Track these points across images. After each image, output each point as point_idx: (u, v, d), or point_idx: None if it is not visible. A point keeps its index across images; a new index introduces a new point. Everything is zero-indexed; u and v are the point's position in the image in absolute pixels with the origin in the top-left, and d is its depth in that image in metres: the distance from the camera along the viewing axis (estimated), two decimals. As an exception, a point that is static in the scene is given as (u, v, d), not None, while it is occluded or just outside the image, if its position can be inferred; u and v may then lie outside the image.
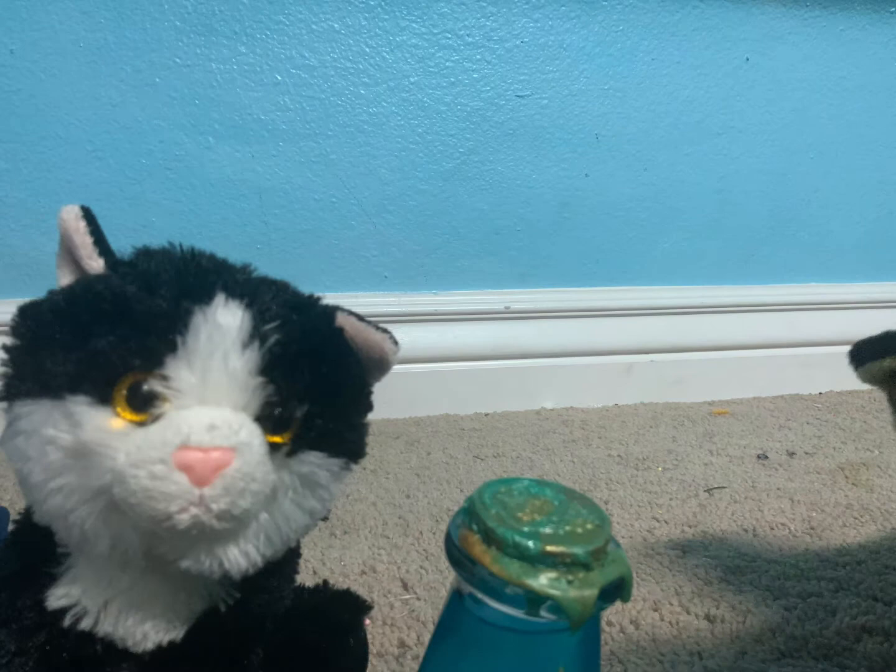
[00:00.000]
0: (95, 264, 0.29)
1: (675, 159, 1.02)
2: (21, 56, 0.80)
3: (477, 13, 0.90)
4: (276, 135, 0.88)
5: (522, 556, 0.24)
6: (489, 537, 0.25)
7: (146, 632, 0.30)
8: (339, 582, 0.56)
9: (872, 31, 1.03)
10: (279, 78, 0.86)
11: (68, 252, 0.30)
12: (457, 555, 0.26)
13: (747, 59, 1.00)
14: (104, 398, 0.26)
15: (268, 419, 0.27)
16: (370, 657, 0.47)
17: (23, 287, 0.86)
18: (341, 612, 0.39)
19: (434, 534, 0.65)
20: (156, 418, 0.26)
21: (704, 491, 0.76)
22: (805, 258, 1.12)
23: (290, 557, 0.35)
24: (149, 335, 0.26)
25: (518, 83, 0.93)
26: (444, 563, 0.59)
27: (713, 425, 0.96)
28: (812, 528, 0.67)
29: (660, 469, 0.81)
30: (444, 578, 0.57)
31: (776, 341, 1.10)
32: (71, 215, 0.29)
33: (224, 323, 0.27)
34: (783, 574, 0.59)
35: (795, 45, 1.01)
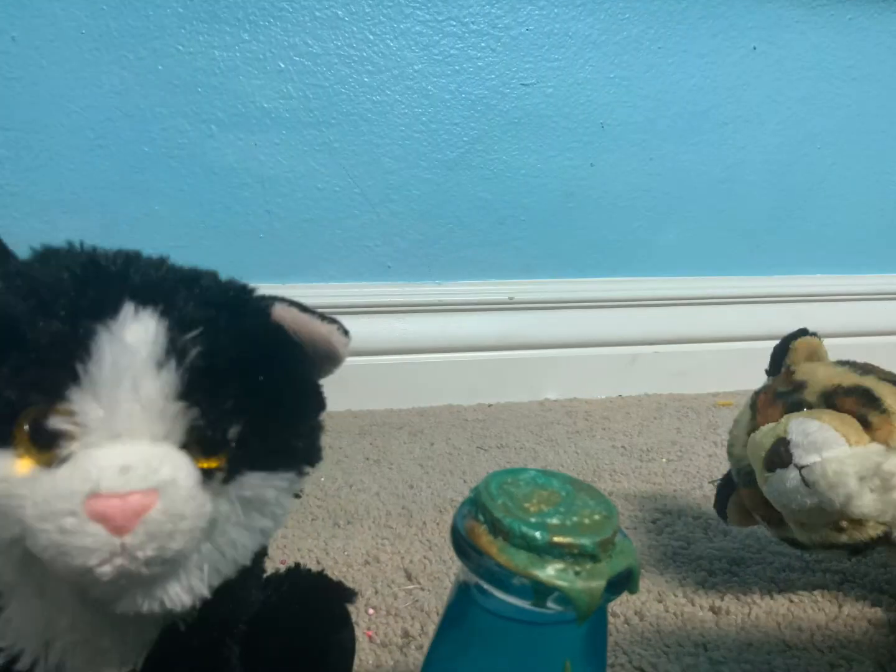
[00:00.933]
0: None
1: (680, 149, 1.01)
2: (23, 43, 0.79)
3: (482, 0, 0.89)
4: (279, 123, 0.87)
5: (529, 546, 0.24)
6: (496, 528, 0.25)
7: (98, 668, 0.27)
8: (343, 572, 0.56)
9: (880, 20, 1.02)
10: (282, 66, 0.86)
11: None
12: (463, 545, 0.26)
13: (754, 48, 0.99)
14: (4, 440, 0.22)
15: (196, 444, 0.24)
16: (375, 647, 0.47)
17: (25, 276, 0.86)
18: (333, 606, 0.38)
19: (437, 524, 0.64)
20: (63, 460, 0.22)
21: (709, 482, 0.75)
22: (811, 249, 1.12)
23: (254, 562, 0.30)
24: (46, 365, 0.22)
25: (523, 71, 0.93)
26: (448, 553, 0.59)
27: (717, 416, 0.96)
28: (817, 520, 0.67)
29: (664, 460, 0.81)
30: (447, 569, 0.57)
31: (781, 333, 1.08)
32: None
33: (132, 341, 0.23)
34: (788, 566, 0.59)
35: (803, 34, 1.00)
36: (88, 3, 0.79)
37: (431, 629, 0.49)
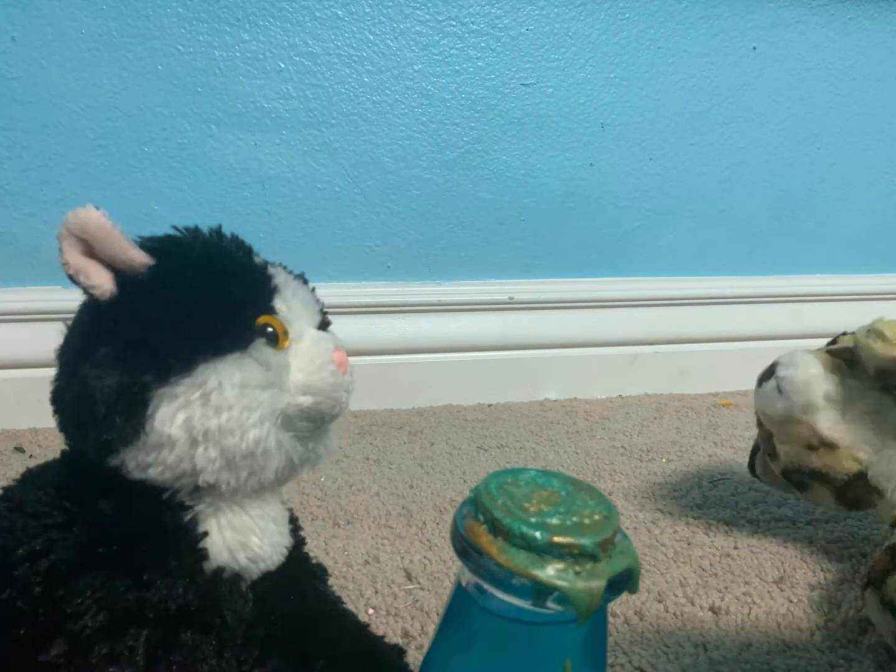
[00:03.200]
0: (136, 254, 0.31)
1: (680, 149, 1.01)
2: (22, 43, 0.79)
3: (482, 0, 0.89)
4: (279, 123, 0.87)
5: (529, 546, 0.24)
6: (496, 528, 0.25)
7: (268, 554, 0.35)
8: (343, 572, 0.56)
9: (881, 20, 1.02)
10: (282, 66, 0.86)
11: (97, 251, 0.31)
12: (463, 545, 0.26)
13: (754, 48, 0.99)
14: (267, 339, 0.32)
15: (324, 325, 0.37)
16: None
17: (25, 276, 0.86)
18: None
19: (437, 524, 0.64)
20: (289, 343, 0.33)
21: (709, 482, 0.75)
22: (811, 249, 1.12)
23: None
24: (266, 286, 0.33)
25: (523, 71, 0.93)
26: (448, 553, 0.59)
27: (717, 417, 0.96)
28: (817, 520, 0.67)
29: (664, 460, 0.81)
30: (447, 569, 0.57)
31: (781, 332, 1.09)
32: (93, 217, 0.30)
33: (280, 270, 0.35)
34: (788, 566, 0.59)
35: (803, 34, 1.00)
36: (88, 3, 0.79)
37: (431, 629, 0.49)
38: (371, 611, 0.51)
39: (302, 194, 0.91)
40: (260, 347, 0.32)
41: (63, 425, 0.32)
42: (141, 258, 0.31)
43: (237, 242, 0.35)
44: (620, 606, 0.53)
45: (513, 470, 0.28)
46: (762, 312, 1.09)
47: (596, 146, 0.98)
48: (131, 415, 0.30)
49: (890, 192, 1.11)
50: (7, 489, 0.33)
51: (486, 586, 0.25)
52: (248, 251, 0.35)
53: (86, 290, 0.31)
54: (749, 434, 0.89)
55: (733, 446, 0.85)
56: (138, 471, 0.31)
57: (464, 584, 0.27)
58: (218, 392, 0.30)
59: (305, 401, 0.33)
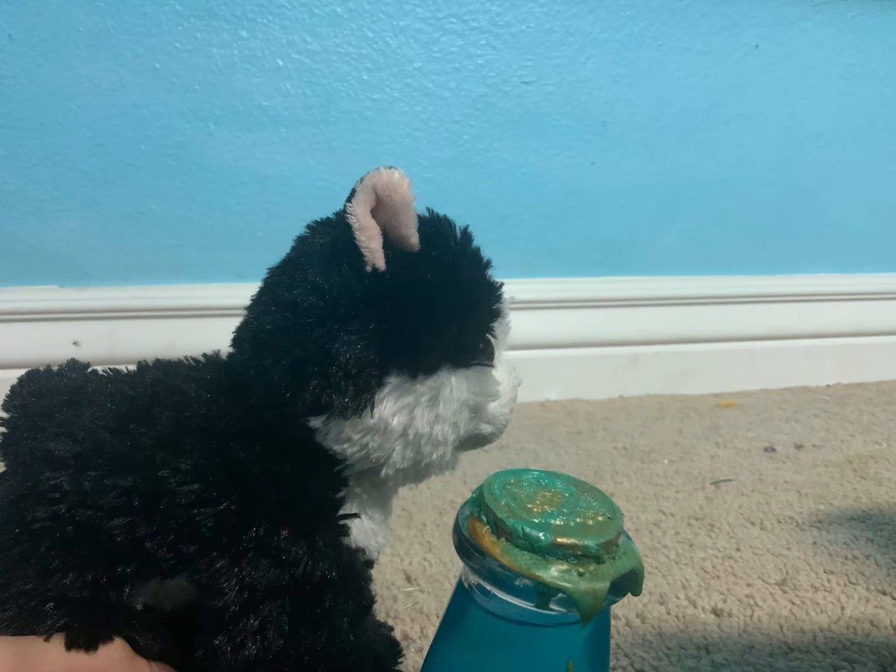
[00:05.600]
0: (415, 240, 0.31)
1: (682, 147, 1.00)
2: (19, 41, 0.79)
3: (482, -2, 0.89)
4: (278, 121, 0.87)
5: (533, 547, 0.24)
6: (499, 528, 0.25)
7: (380, 543, 0.35)
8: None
9: (884, 18, 1.02)
10: (281, 63, 0.85)
11: (387, 216, 0.30)
12: (466, 546, 0.25)
13: (757, 46, 0.99)
14: (489, 360, 0.33)
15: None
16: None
17: (22, 275, 0.85)
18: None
19: (437, 526, 0.64)
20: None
21: (711, 484, 0.75)
22: (814, 248, 1.11)
23: None
24: (499, 306, 0.34)
25: (524, 69, 0.92)
26: (448, 555, 0.59)
27: (720, 417, 0.95)
28: (820, 522, 0.66)
29: (666, 461, 0.81)
30: (447, 571, 0.57)
31: (784, 332, 1.09)
32: (402, 184, 0.29)
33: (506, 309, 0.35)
34: (791, 567, 0.58)
35: (805, 32, 1.00)
36: (85, 0, 0.79)
37: (431, 632, 0.49)
38: (370, 613, 0.51)
39: (300, 193, 0.90)
40: (486, 370, 0.33)
41: (262, 369, 0.31)
42: (416, 241, 0.31)
43: (479, 251, 0.34)
44: (622, 608, 0.52)
45: (516, 471, 0.28)
46: (764, 312, 1.09)
47: (597, 144, 0.97)
48: (363, 391, 0.29)
49: (892, 190, 1.11)
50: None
51: (488, 587, 0.25)
52: (488, 264, 0.35)
53: (355, 247, 0.30)
54: (752, 435, 0.89)
55: (735, 447, 0.85)
56: (335, 441, 0.31)
57: (466, 585, 0.27)
58: (445, 402, 0.31)
59: (486, 429, 0.34)
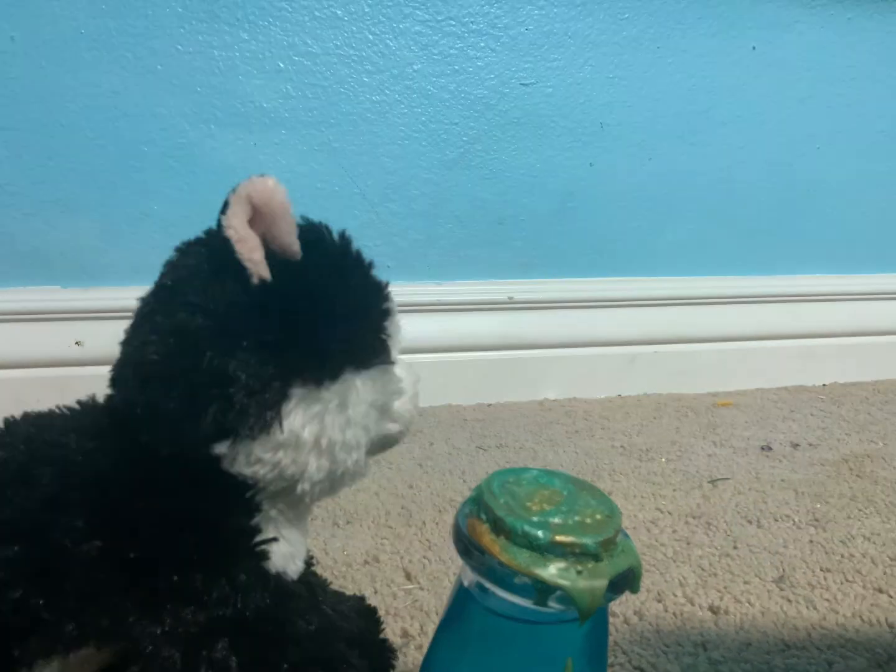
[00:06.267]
0: (296, 247, 0.30)
1: (680, 149, 1.01)
2: (22, 43, 0.79)
3: (481, 0, 0.89)
4: (279, 123, 0.87)
5: (532, 545, 0.24)
6: (498, 526, 0.25)
7: (298, 567, 0.34)
8: (342, 572, 0.56)
9: (880, 20, 1.02)
10: (282, 65, 0.86)
11: (264, 226, 0.29)
12: (465, 544, 0.26)
13: (754, 48, 0.99)
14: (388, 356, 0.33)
15: None
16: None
17: (24, 276, 0.86)
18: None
19: (437, 524, 0.64)
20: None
21: (708, 482, 0.75)
22: (810, 249, 1.12)
23: None
24: (388, 303, 0.33)
25: (522, 71, 0.93)
26: (448, 553, 0.59)
27: (717, 416, 0.96)
28: (816, 520, 0.67)
29: (663, 460, 0.81)
30: (447, 568, 0.57)
31: (780, 332, 1.09)
32: (277, 192, 0.28)
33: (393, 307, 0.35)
34: (787, 565, 0.59)
35: (802, 34, 1.00)
36: (88, 2, 0.79)
37: (431, 629, 0.49)
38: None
39: (301, 194, 0.90)
40: (387, 368, 0.32)
41: (152, 403, 0.29)
42: (297, 248, 0.30)
43: (361, 253, 0.34)
44: (620, 606, 0.53)
45: (515, 469, 0.28)
46: (761, 312, 1.09)
47: (595, 146, 0.98)
48: (269, 407, 0.28)
49: (889, 192, 1.11)
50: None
51: (487, 585, 0.25)
52: (371, 265, 0.33)
53: (236, 260, 0.29)
54: (748, 434, 0.90)
55: (733, 446, 0.85)
56: (244, 465, 0.29)
57: (465, 583, 0.27)
58: (354, 405, 0.30)
59: (393, 428, 0.33)
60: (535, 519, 0.25)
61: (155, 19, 0.81)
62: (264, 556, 0.31)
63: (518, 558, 0.24)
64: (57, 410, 0.34)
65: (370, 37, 0.87)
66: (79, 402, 0.34)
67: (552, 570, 0.24)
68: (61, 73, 0.80)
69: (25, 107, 0.80)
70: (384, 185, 0.93)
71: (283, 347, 0.29)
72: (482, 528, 0.25)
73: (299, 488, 0.30)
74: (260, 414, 0.28)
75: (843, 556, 0.60)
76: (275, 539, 0.32)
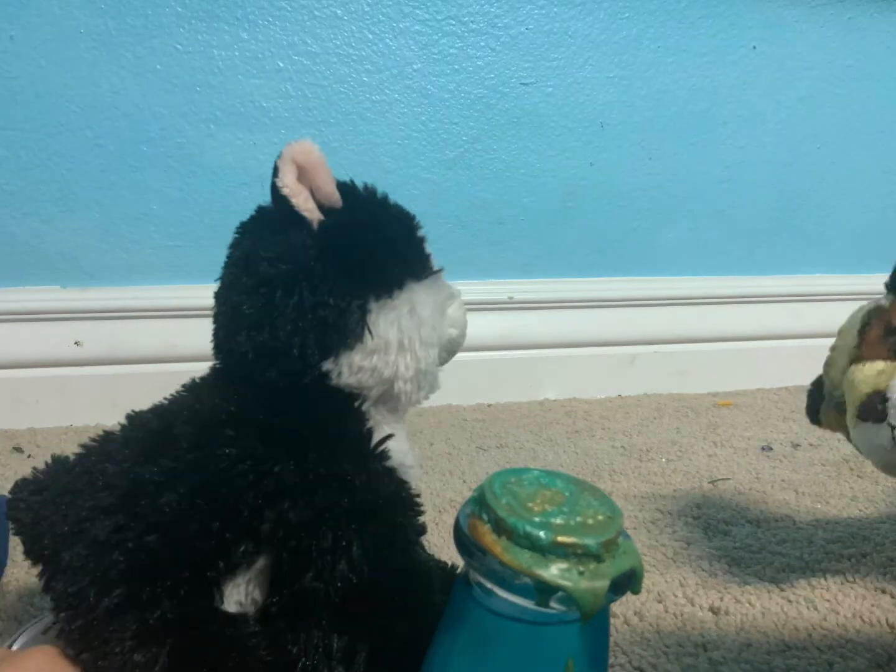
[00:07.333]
0: (337, 195, 0.37)
1: (680, 148, 1.01)
2: (21, 42, 0.79)
3: (481, -1, 0.89)
4: (278, 122, 0.87)
5: (533, 546, 0.24)
6: (500, 527, 0.25)
7: (412, 463, 0.40)
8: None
9: (880, 20, 1.02)
10: (281, 65, 0.86)
11: (309, 179, 0.35)
12: (466, 544, 0.25)
13: (754, 48, 0.99)
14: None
15: None
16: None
17: (23, 275, 0.85)
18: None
19: (437, 525, 0.64)
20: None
21: (708, 482, 0.75)
22: (811, 248, 1.12)
23: None
24: (420, 229, 0.41)
25: (522, 71, 0.93)
26: (447, 554, 0.59)
27: (717, 416, 0.96)
28: (817, 520, 0.67)
29: (663, 460, 0.81)
30: (447, 569, 0.57)
31: (781, 332, 1.09)
32: (313, 149, 0.35)
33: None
34: (788, 566, 0.58)
35: (802, 34, 1.00)
36: (87, 2, 0.79)
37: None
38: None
39: (301, 194, 0.90)
40: (439, 276, 0.39)
41: (260, 346, 0.34)
42: (337, 194, 0.36)
43: (387, 196, 0.41)
44: (620, 607, 0.53)
45: (516, 470, 0.28)
46: (762, 312, 1.09)
47: (595, 146, 0.98)
48: (357, 321, 0.34)
49: (889, 191, 1.11)
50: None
51: (489, 586, 0.25)
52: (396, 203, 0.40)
53: (295, 213, 0.35)
54: (749, 434, 0.89)
55: (733, 446, 0.85)
56: (348, 375, 0.35)
57: (466, 583, 0.27)
58: (421, 308, 0.36)
59: (453, 332, 0.40)
60: (536, 519, 0.25)
61: (154, 19, 0.81)
62: (385, 455, 0.36)
63: (520, 559, 0.24)
64: (167, 400, 0.37)
65: (370, 36, 0.87)
66: (183, 386, 0.38)
67: (554, 571, 0.24)
68: (61, 73, 0.80)
69: (25, 106, 0.80)
70: (383, 185, 0.92)
71: (353, 272, 0.35)
72: (484, 528, 0.25)
73: (396, 387, 0.36)
74: (352, 327, 0.34)
75: (842, 556, 0.60)
76: (391, 435, 0.37)
